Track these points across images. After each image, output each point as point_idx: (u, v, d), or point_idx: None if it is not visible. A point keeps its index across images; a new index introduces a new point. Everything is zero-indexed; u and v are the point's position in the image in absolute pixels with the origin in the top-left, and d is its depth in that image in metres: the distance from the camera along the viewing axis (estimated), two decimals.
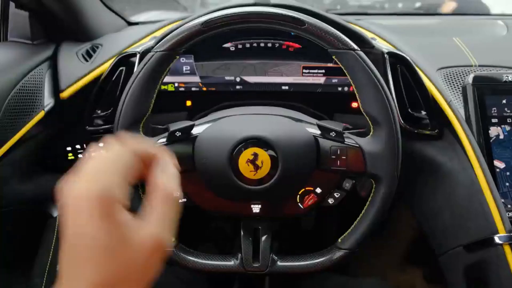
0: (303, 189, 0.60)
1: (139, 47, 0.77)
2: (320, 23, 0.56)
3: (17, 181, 0.72)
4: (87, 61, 0.81)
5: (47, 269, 0.81)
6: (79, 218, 0.26)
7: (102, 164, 0.29)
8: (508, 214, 0.62)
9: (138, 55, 0.75)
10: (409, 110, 0.73)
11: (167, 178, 0.31)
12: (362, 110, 0.57)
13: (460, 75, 0.76)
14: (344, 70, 0.57)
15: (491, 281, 0.60)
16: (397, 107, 0.70)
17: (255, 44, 0.80)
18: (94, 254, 0.26)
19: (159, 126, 0.65)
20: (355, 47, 0.56)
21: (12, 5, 0.81)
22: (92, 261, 0.26)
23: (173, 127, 0.59)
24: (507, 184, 0.65)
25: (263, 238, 0.61)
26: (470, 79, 0.69)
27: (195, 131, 0.60)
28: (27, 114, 0.71)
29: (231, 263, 0.60)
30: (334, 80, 0.82)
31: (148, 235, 0.28)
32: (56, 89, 0.77)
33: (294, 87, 0.83)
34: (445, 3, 1.34)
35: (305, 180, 0.60)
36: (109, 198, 0.27)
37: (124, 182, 0.28)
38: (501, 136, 0.67)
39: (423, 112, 0.73)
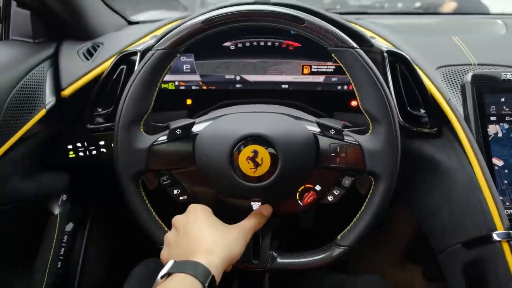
0: (303, 187, 0.61)
1: (139, 46, 0.78)
2: (320, 21, 0.56)
3: (19, 178, 0.72)
4: (88, 59, 0.81)
5: (48, 266, 0.81)
6: (199, 214, 0.55)
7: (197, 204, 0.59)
8: (506, 211, 0.63)
9: (138, 54, 0.75)
10: (408, 108, 0.73)
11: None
12: (361, 108, 0.57)
13: (459, 74, 0.76)
14: (344, 68, 0.57)
15: (489, 278, 0.60)
16: (396, 105, 0.70)
17: (255, 43, 0.81)
18: (208, 227, 0.54)
19: (160, 124, 0.65)
20: (355, 45, 0.56)
21: (13, 4, 0.81)
22: (207, 231, 0.53)
23: (174, 125, 0.59)
24: (506, 181, 0.66)
25: (263, 235, 0.61)
26: (469, 77, 0.69)
27: (196, 129, 0.60)
28: (29, 112, 0.71)
29: None
30: (334, 79, 0.82)
31: (237, 224, 0.56)
32: (57, 88, 0.78)
33: (294, 86, 0.83)
34: (446, 2, 1.35)
35: (305, 178, 0.60)
36: (207, 209, 0.57)
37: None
38: (500, 134, 0.68)
39: (422, 111, 0.73)
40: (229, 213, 0.63)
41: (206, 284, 0.46)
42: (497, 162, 0.66)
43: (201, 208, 0.57)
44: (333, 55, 0.57)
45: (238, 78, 0.83)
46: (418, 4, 1.55)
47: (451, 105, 0.70)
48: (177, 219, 0.56)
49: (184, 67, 0.83)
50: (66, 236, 0.93)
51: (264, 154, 0.56)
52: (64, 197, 0.85)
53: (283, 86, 0.84)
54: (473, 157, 0.65)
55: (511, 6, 1.20)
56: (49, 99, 0.76)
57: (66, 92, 0.77)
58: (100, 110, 0.76)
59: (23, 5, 0.80)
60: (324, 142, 0.59)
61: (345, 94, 0.82)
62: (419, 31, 1.00)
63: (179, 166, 0.60)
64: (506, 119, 0.68)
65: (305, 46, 0.80)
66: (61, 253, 0.91)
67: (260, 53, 0.81)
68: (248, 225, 0.57)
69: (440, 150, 0.71)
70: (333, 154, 0.58)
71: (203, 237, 0.52)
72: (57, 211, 0.83)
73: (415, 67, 0.74)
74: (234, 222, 0.61)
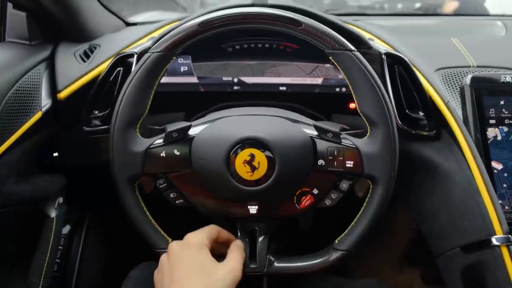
0: (300, 190, 0.60)
1: (137, 48, 0.77)
2: (317, 24, 0.56)
3: (15, 181, 0.72)
4: (84, 61, 0.81)
5: (44, 269, 0.81)
6: (188, 252, 0.53)
7: (196, 233, 0.56)
8: (506, 215, 0.62)
9: (135, 56, 0.75)
10: (407, 111, 0.72)
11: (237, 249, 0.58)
12: (359, 111, 0.57)
13: (458, 76, 0.76)
14: (341, 71, 0.56)
15: (488, 282, 0.60)
16: (394, 108, 0.69)
17: (252, 45, 0.80)
18: (194, 271, 0.51)
19: (156, 127, 0.65)
20: (352, 47, 0.56)
21: (9, 5, 0.81)
22: (191, 276, 0.50)
23: (170, 128, 0.59)
24: (505, 185, 0.65)
25: (260, 239, 0.61)
26: (468, 80, 0.69)
27: (192, 131, 0.60)
28: (25, 114, 0.71)
29: None
30: (332, 81, 0.82)
31: (225, 263, 0.54)
32: (53, 90, 0.77)
33: (292, 88, 0.83)
34: (446, 3, 1.34)
35: (302, 181, 0.60)
36: (202, 244, 0.54)
37: (207, 244, 0.55)
38: (499, 137, 0.67)
39: (421, 113, 0.73)
40: (225, 216, 0.62)
41: None
42: (496, 165, 0.66)
43: (195, 244, 0.54)
44: (330, 57, 0.56)
45: (235, 80, 0.83)
46: (418, 5, 1.55)
47: (450, 107, 0.70)
48: (171, 247, 0.54)
49: (182, 69, 0.82)
50: (62, 239, 0.93)
51: (261, 157, 0.56)
52: (61, 199, 0.85)
53: (281, 88, 0.83)
54: (472, 160, 0.64)
55: (511, 8, 1.20)
56: (45, 102, 0.75)
57: (62, 95, 0.77)
58: (96, 112, 0.76)
59: (19, 6, 0.79)
60: (321, 145, 0.59)
61: (344, 96, 0.82)
62: (418, 32, 1.00)
63: (175, 169, 0.60)
64: (506, 122, 0.68)
65: (303, 48, 0.80)
66: (58, 256, 0.90)
67: (258, 55, 0.81)
68: (237, 264, 0.55)
69: (439, 152, 0.71)
70: (331, 158, 0.58)
71: (185, 284, 0.50)
72: (53, 214, 0.83)
73: (414, 69, 0.73)
74: (230, 225, 0.60)
